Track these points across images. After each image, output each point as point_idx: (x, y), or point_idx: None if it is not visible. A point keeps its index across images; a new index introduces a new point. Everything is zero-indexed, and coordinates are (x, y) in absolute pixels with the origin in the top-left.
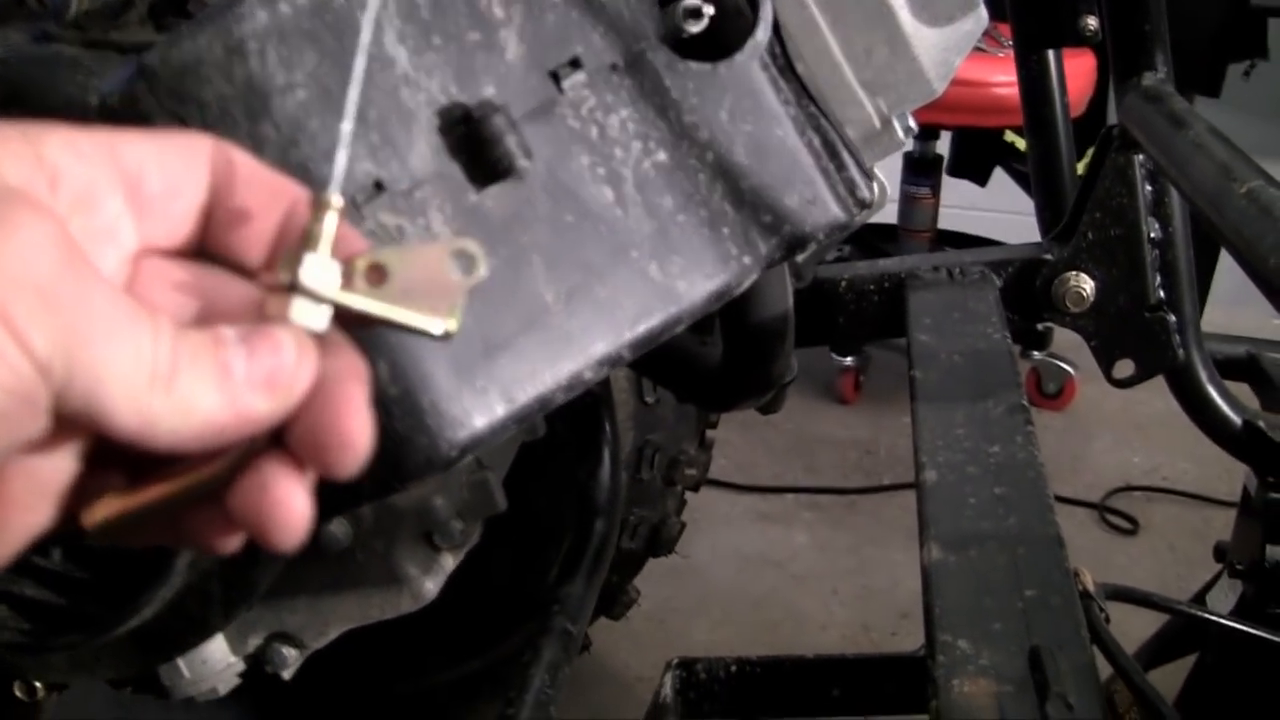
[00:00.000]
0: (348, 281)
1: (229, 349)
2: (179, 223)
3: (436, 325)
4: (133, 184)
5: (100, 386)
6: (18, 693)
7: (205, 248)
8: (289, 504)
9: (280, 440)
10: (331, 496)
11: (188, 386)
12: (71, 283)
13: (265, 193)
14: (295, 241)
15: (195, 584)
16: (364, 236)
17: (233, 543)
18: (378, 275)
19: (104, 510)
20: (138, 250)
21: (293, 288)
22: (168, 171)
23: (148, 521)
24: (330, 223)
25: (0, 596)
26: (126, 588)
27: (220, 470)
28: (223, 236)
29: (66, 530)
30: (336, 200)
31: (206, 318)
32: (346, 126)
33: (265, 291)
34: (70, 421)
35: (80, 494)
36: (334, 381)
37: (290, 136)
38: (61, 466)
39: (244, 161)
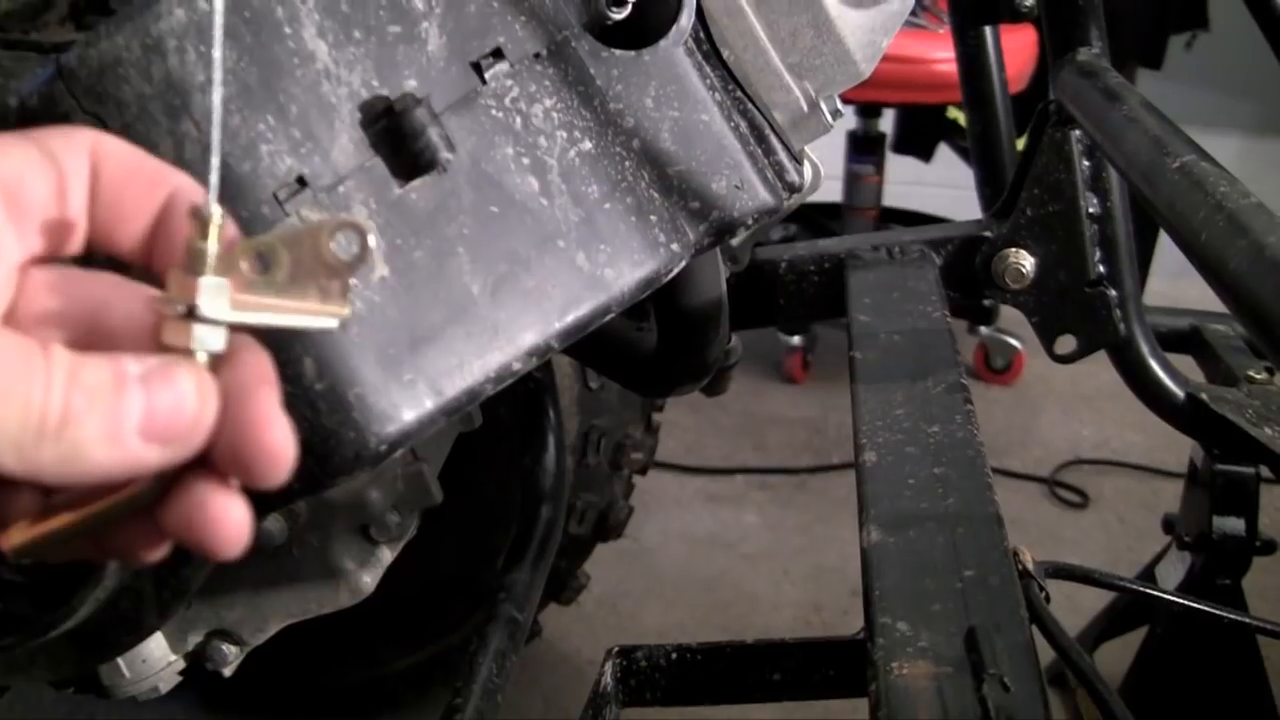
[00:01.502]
0: (233, 277)
1: (128, 391)
2: (63, 226)
3: (330, 319)
4: (11, 195)
5: None
6: None
7: (90, 239)
8: (227, 518)
9: (202, 458)
10: (262, 495)
11: (78, 436)
12: None
13: (143, 183)
14: (183, 258)
15: (128, 584)
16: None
17: (159, 554)
18: (262, 264)
19: (20, 535)
20: (23, 262)
21: (191, 315)
22: (47, 176)
23: (70, 540)
24: (215, 239)
25: None
26: (59, 589)
27: (142, 492)
28: (104, 229)
29: None
30: (218, 217)
31: (97, 327)
32: (215, 160)
33: (160, 315)
34: None
35: None
36: (244, 393)
37: (211, 133)
38: None
39: (120, 151)
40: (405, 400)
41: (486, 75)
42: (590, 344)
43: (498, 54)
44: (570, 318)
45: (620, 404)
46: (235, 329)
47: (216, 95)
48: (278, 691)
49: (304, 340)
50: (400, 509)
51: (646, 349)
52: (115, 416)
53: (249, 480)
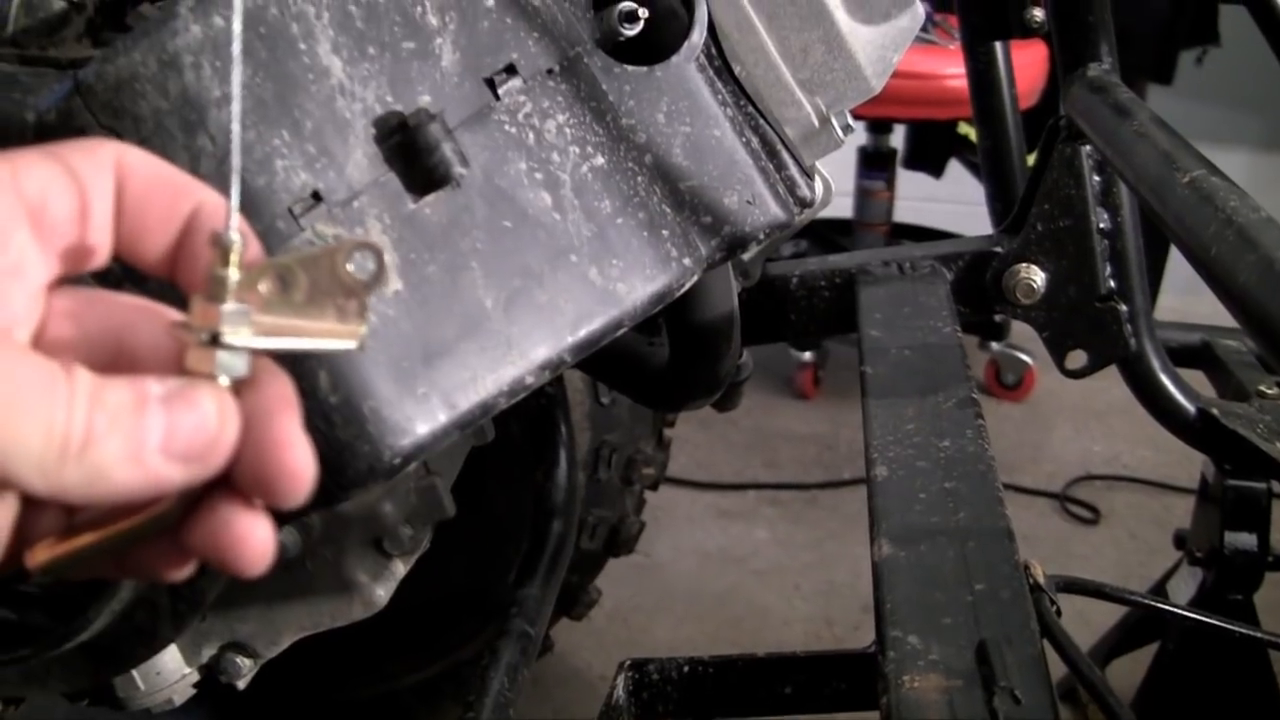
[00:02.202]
0: (252, 298)
1: (149, 412)
2: (87, 246)
3: (349, 341)
4: (37, 213)
5: (10, 461)
6: None
7: (115, 251)
8: (252, 537)
9: (225, 479)
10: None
11: (101, 456)
12: None
13: (167, 196)
14: (204, 284)
15: (143, 596)
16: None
17: (183, 573)
18: (281, 285)
19: (46, 554)
20: (49, 281)
21: (214, 342)
22: (71, 193)
23: (93, 558)
24: (235, 269)
25: None
26: (75, 601)
27: (162, 515)
28: (129, 241)
29: (9, 570)
30: (237, 240)
31: (121, 351)
32: (235, 188)
33: (182, 341)
34: None
35: (21, 534)
36: (265, 414)
37: (227, 148)
38: None
39: (144, 164)
40: (419, 413)
41: (500, 91)
42: (602, 358)
43: (511, 70)
44: (583, 332)
45: (631, 419)
46: (257, 354)
47: (235, 125)
48: (289, 706)
49: (318, 354)
50: (413, 522)
51: (658, 364)
52: (137, 436)
53: (271, 500)
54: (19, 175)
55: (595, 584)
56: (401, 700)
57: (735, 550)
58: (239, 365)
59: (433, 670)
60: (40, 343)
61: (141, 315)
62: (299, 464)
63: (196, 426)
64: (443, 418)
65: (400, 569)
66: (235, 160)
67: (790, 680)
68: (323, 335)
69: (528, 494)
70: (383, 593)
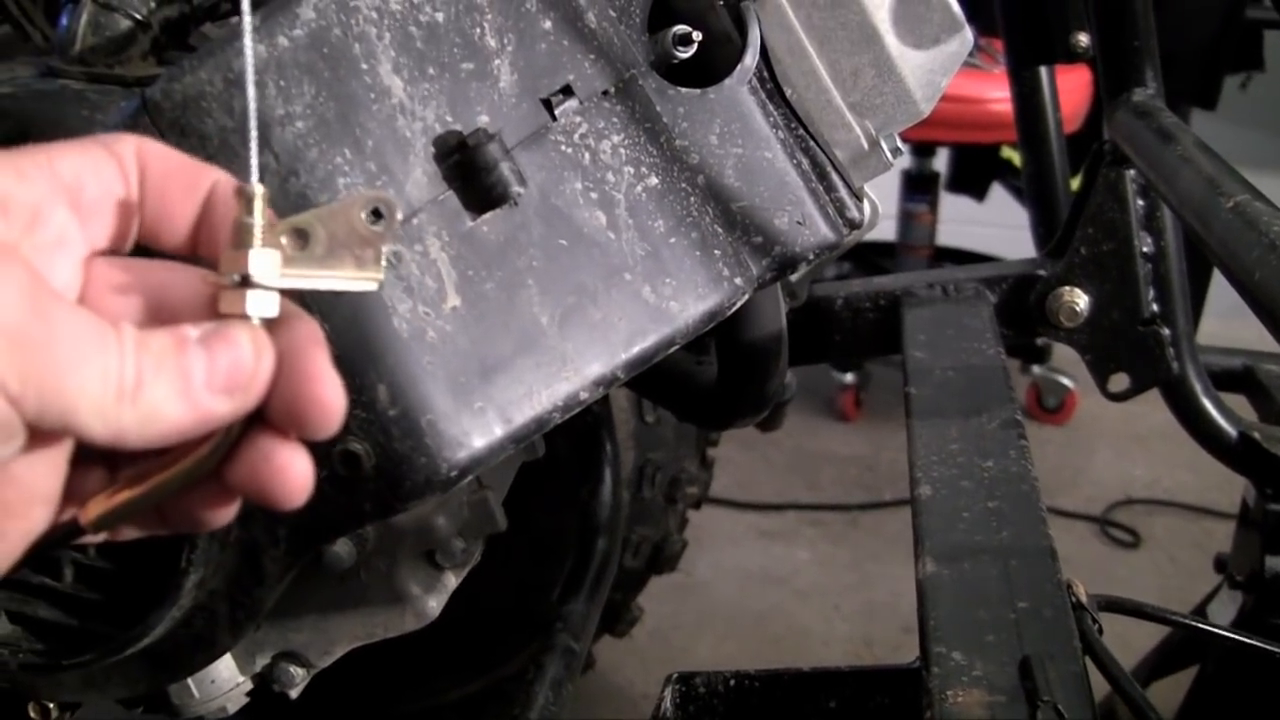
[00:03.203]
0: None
1: (190, 352)
2: (118, 224)
3: (369, 283)
4: (73, 194)
5: (72, 408)
6: (32, 713)
7: (139, 237)
8: (292, 468)
9: (261, 415)
10: (335, 518)
11: (152, 397)
12: (38, 321)
13: (185, 179)
14: (231, 236)
15: (203, 604)
16: None
17: (226, 515)
18: (301, 240)
19: (98, 508)
20: (87, 255)
21: (244, 283)
22: (103, 178)
23: (143, 508)
24: (259, 212)
25: (14, 618)
26: (136, 608)
27: (206, 457)
28: (152, 226)
29: (63, 531)
30: (260, 190)
31: (160, 308)
32: (253, 137)
33: (215, 289)
34: (47, 434)
35: (70, 495)
36: (296, 352)
37: (290, 166)
38: (47, 473)
39: (162, 153)
40: (475, 427)
41: (556, 112)
42: (651, 376)
43: (567, 91)
44: (636, 349)
45: (675, 438)
46: (285, 294)
47: (250, 89)
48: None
49: (378, 367)
50: (465, 535)
51: (706, 381)
52: (183, 375)
53: (305, 432)
54: (54, 161)
55: (637, 601)
56: (445, 715)
57: (776, 570)
58: (269, 305)
59: (476, 686)
60: (84, 306)
61: (176, 275)
62: (330, 395)
63: (235, 360)
64: (499, 432)
65: (452, 581)
66: (252, 122)
67: (835, 695)
68: (344, 279)
69: (571, 511)
70: (435, 605)
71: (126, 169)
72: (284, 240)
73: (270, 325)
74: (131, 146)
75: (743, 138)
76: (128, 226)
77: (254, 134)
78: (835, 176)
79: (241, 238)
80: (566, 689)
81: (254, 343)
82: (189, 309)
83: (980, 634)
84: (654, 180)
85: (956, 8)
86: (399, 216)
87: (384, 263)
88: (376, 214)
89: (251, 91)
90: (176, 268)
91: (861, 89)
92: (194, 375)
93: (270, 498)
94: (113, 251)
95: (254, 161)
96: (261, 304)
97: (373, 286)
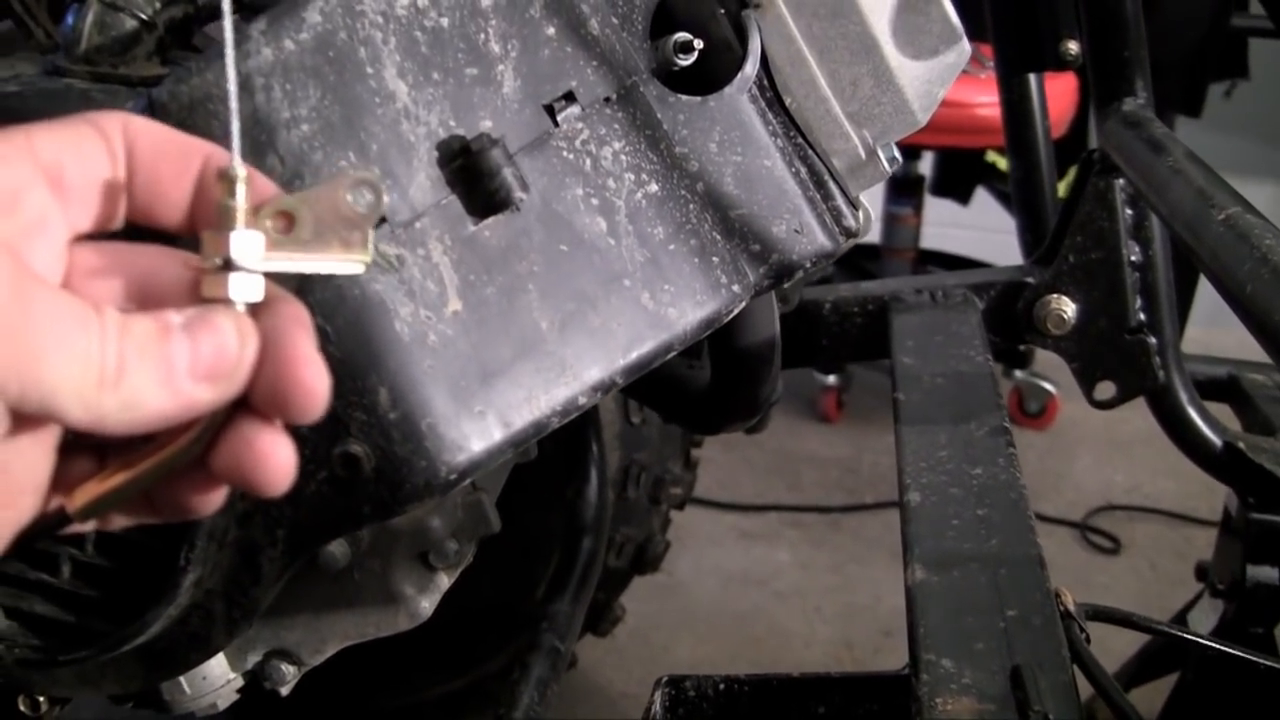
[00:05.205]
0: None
1: (173, 339)
2: (103, 205)
3: (356, 265)
4: (54, 176)
5: (53, 392)
6: (22, 707)
7: (130, 217)
8: (274, 454)
9: (244, 400)
10: (334, 520)
11: (135, 383)
12: (18, 306)
13: (177, 155)
14: (214, 218)
15: (200, 602)
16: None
17: (213, 503)
18: (287, 222)
19: (85, 495)
20: (70, 239)
21: (226, 266)
22: (85, 158)
23: (129, 495)
24: (242, 195)
25: (10, 614)
26: (133, 605)
27: (190, 443)
28: (145, 204)
29: (51, 521)
30: (242, 172)
31: (145, 293)
32: (234, 121)
33: (198, 272)
34: (30, 417)
35: (57, 485)
36: (281, 334)
37: (295, 169)
38: (35, 461)
39: (150, 129)
40: (475, 431)
41: (559, 118)
42: (644, 379)
43: (570, 97)
44: (634, 355)
45: (660, 439)
46: (269, 278)
47: (230, 69)
48: (313, 715)
49: (379, 371)
50: (459, 537)
51: (699, 386)
52: (166, 361)
53: (289, 416)
54: (34, 142)
55: (620, 601)
56: (426, 713)
57: (757, 571)
58: (252, 288)
59: (457, 683)
60: (66, 290)
61: (161, 260)
62: (314, 378)
63: (218, 347)
64: (498, 435)
65: (445, 582)
66: (233, 102)
67: (824, 701)
68: (330, 261)
69: (555, 511)
70: (427, 605)
71: (114, 147)
72: (269, 223)
73: (255, 309)
74: (118, 124)
75: (742, 146)
76: (114, 207)
77: (235, 108)
78: (833, 185)
79: (224, 220)
80: (551, 689)
81: (238, 329)
82: (175, 294)
83: (969, 642)
84: (654, 187)
85: (956, 20)
86: (385, 197)
87: (371, 244)
88: (363, 195)
89: (232, 69)
90: (163, 252)
91: (860, 99)
92: (177, 362)
93: (253, 484)
94: (99, 233)
95: (236, 143)
96: (245, 288)
97: (359, 269)
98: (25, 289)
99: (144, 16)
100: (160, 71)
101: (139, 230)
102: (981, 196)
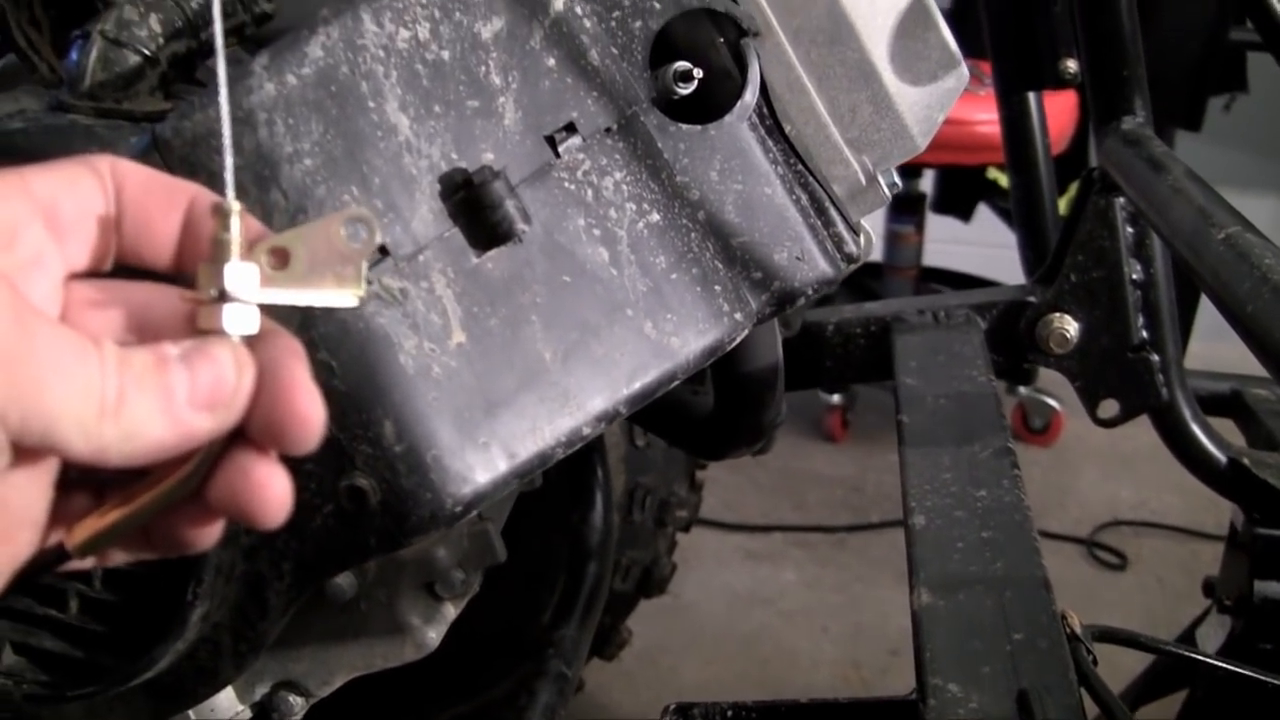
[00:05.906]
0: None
1: (171, 370)
2: (96, 243)
3: (348, 298)
4: (50, 213)
5: (54, 424)
6: None
7: (119, 258)
8: (271, 484)
9: (241, 432)
10: (340, 552)
11: (135, 414)
12: (19, 337)
13: (163, 196)
14: (209, 252)
15: (207, 636)
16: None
17: (210, 537)
18: (282, 259)
19: (84, 531)
20: (65, 276)
21: (221, 298)
22: (80, 197)
23: (127, 530)
24: (236, 228)
25: (19, 649)
26: (141, 640)
27: (187, 476)
28: (133, 245)
29: (50, 557)
30: (236, 206)
31: (141, 327)
32: (228, 156)
33: (194, 305)
34: (30, 450)
35: (56, 520)
36: (276, 366)
37: (298, 203)
38: (33, 496)
39: (136, 171)
40: (480, 463)
41: (560, 149)
42: (648, 407)
43: (571, 128)
44: (638, 384)
45: (665, 462)
46: (265, 311)
47: (223, 90)
48: None
49: (384, 404)
50: (465, 566)
51: (703, 412)
52: (165, 391)
53: (286, 446)
54: (28, 182)
55: (626, 624)
56: None
57: (763, 591)
58: (247, 320)
59: (464, 708)
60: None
61: (156, 294)
62: (309, 407)
63: (216, 377)
64: (503, 467)
65: (451, 612)
66: (226, 138)
67: None
68: (323, 296)
69: (560, 535)
70: (434, 635)
71: (106, 186)
72: (264, 259)
73: (250, 341)
74: (105, 166)
75: (743, 174)
76: (106, 245)
77: (228, 144)
78: (833, 212)
79: (219, 253)
80: (558, 715)
81: (235, 358)
82: (170, 327)
83: (976, 665)
84: (655, 216)
85: (954, 45)
86: (378, 235)
87: (364, 279)
88: (356, 231)
89: (225, 105)
90: (157, 287)
91: (859, 125)
92: (176, 392)
93: (250, 515)
94: (92, 272)
95: (229, 176)
96: (240, 319)
97: (353, 302)
98: (26, 321)
99: (148, 52)
100: (164, 107)
101: (129, 271)
102: (983, 213)
